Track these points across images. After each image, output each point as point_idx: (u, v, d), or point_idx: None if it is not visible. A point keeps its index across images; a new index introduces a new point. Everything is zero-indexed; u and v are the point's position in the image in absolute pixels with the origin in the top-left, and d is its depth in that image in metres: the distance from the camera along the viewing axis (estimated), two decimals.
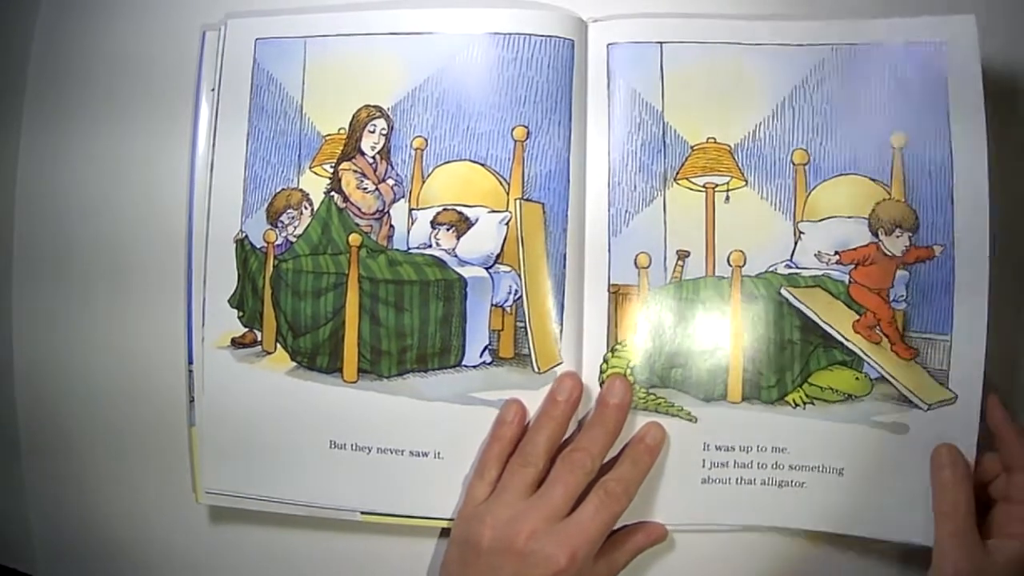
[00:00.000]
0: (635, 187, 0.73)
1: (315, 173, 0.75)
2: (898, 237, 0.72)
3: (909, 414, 0.72)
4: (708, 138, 0.74)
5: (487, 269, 0.74)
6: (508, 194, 0.73)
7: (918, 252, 0.72)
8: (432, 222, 0.74)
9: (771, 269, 0.73)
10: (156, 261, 0.79)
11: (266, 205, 0.75)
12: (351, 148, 0.75)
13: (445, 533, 0.74)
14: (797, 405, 0.73)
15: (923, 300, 0.72)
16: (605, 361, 0.73)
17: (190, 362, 0.75)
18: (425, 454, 0.74)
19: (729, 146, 0.74)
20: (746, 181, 0.74)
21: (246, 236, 0.75)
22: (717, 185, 0.74)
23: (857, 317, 0.73)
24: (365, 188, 0.75)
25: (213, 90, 0.76)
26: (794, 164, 0.73)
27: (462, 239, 0.74)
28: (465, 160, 0.74)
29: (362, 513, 0.75)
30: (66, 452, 0.81)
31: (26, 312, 0.81)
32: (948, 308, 0.72)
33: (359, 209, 0.75)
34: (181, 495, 0.75)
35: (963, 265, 0.71)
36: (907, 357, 0.72)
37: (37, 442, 0.81)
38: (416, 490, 0.74)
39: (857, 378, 0.73)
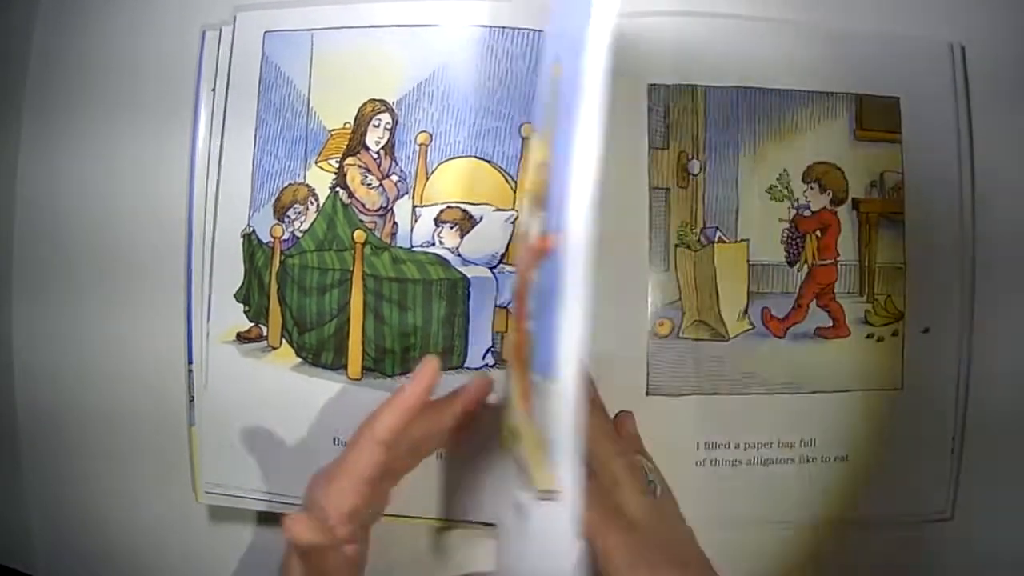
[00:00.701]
0: None
1: (321, 168, 0.75)
2: (533, 216, 0.56)
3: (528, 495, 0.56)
4: None
5: (491, 269, 0.74)
6: (515, 192, 0.73)
7: (541, 243, 0.51)
8: (435, 220, 0.74)
9: None
10: (156, 262, 0.79)
11: (273, 200, 0.75)
12: (356, 143, 0.75)
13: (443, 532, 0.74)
14: None
15: (542, 322, 0.52)
16: None
17: (190, 361, 0.75)
18: None
19: None
20: None
21: (253, 231, 0.75)
22: None
23: None
24: (369, 184, 0.75)
25: (213, 90, 0.76)
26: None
27: (466, 238, 0.74)
28: (471, 156, 0.74)
29: None
30: (66, 452, 0.80)
31: (26, 313, 0.81)
32: (553, 338, 0.48)
33: (363, 205, 0.75)
34: (181, 495, 0.74)
35: (569, 267, 0.48)
36: (524, 409, 0.56)
37: (37, 442, 0.81)
38: (415, 490, 0.73)
39: None
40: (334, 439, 0.74)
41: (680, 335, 0.74)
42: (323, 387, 0.74)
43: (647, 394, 0.73)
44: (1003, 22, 0.79)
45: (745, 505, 0.75)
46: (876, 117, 0.76)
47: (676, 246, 0.74)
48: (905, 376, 0.75)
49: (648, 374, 0.73)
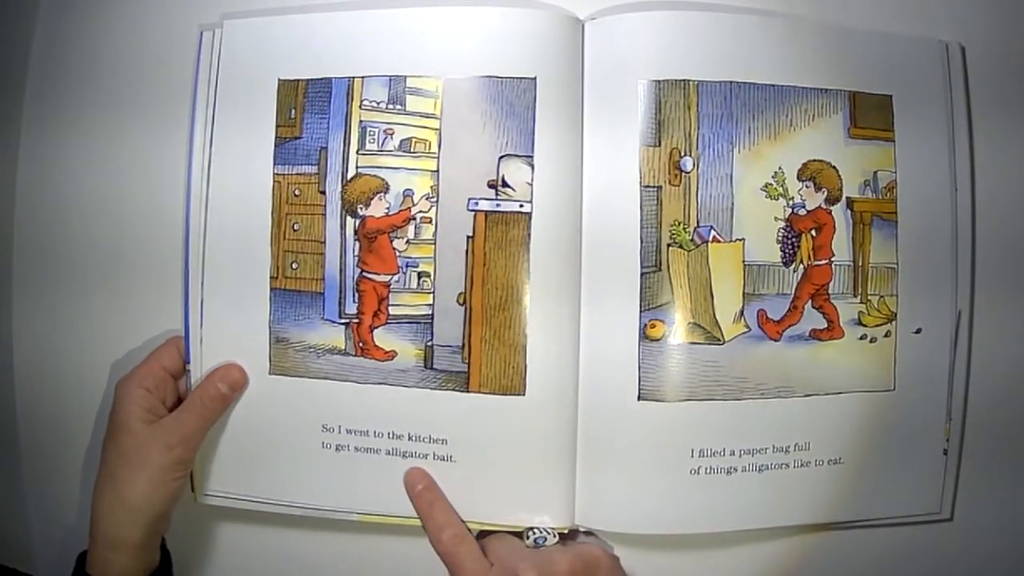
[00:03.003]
0: None
1: None
2: None
3: None
4: None
5: None
6: None
7: None
8: None
9: None
10: (155, 261, 0.79)
11: None
12: None
13: None
14: None
15: None
16: None
17: (187, 362, 0.75)
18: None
19: None
20: None
21: None
22: None
23: None
24: None
25: (210, 90, 0.76)
26: None
27: None
28: None
29: (359, 514, 0.75)
30: (66, 452, 0.81)
31: (26, 312, 0.82)
32: None
33: None
34: (181, 496, 0.75)
35: None
36: None
37: (37, 442, 0.82)
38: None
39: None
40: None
41: (673, 338, 0.73)
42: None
43: (639, 399, 0.72)
44: (1003, 22, 0.78)
45: (740, 513, 0.75)
46: (870, 115, 0.75)
47: (668, 245, 0.73)
48: (897, 377, 0.75)
49: (640, 379, 0.72)
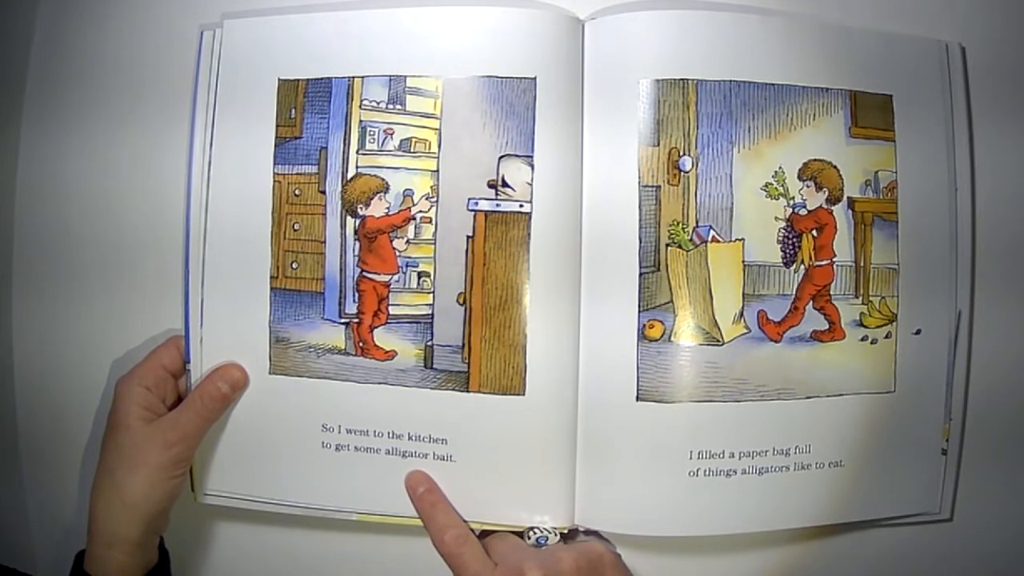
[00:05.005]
0: None
1: None
2: None
3: None
4: None
5: None
6: None
7: None
8: None
9: None
10: (155, 261, 0.79)
11: None
12: None
13: None
14: None
15: None
16: None
17: (188, 362, 0.75)
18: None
19: None
20: None
21: None
22: None
23: None
24: None
25: (210, 90, 0.76)
26: None
27: None
28: None
29: (359, 514, 0.75)
30: (66, 452, 0.81)
31: (26, 312, 0.82)
32: None
33: None
34: (181, 495, 0.75)
35: None
36: None
37: (37, 442, 0.82)
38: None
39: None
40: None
41: (672, 339, 0.73)
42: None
43: (637, 399, 0.72)
44: (1003, 22, 0.78)
45: (739, 516, 0.74)
46: (870, 115, 0.75)
47: (667, 245, 0.73)
48: (897, 378, 0.75)
49: (638, 379, 0.72)
